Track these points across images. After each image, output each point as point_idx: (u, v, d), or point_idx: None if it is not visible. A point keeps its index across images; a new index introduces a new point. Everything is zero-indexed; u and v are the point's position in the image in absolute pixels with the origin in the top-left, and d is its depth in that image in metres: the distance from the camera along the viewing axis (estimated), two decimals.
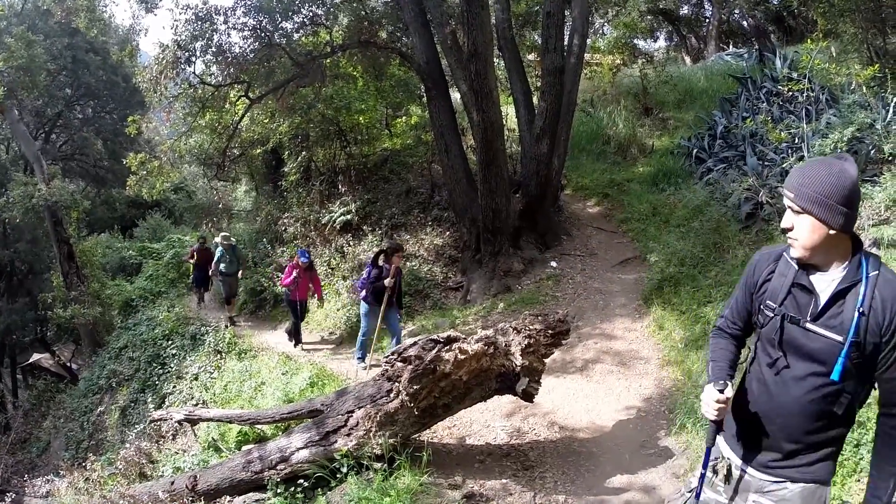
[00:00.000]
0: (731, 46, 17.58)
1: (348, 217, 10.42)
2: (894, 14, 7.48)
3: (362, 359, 6.67)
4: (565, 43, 8.65)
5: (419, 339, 3.96)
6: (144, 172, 9.96)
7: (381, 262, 6.37)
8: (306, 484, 4.02)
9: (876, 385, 1.67)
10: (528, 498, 3.71)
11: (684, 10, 20.07)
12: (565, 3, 9.17)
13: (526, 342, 3.97)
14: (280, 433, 4.77)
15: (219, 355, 8.38)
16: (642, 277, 7.23)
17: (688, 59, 19.06)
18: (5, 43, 12.71)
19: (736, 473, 1.84)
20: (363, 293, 6.47)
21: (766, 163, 7.07)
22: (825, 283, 1.67)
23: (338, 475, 3.91)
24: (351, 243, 10.03)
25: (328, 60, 9.33)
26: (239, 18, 8.84)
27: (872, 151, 5.76)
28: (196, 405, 7.27)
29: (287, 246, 10.91)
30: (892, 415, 1.63)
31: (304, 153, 11.74)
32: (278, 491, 4.06)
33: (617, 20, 16.93)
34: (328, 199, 11.17)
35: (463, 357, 3.72)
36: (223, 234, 9.97)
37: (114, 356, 10.26)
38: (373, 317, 6.49)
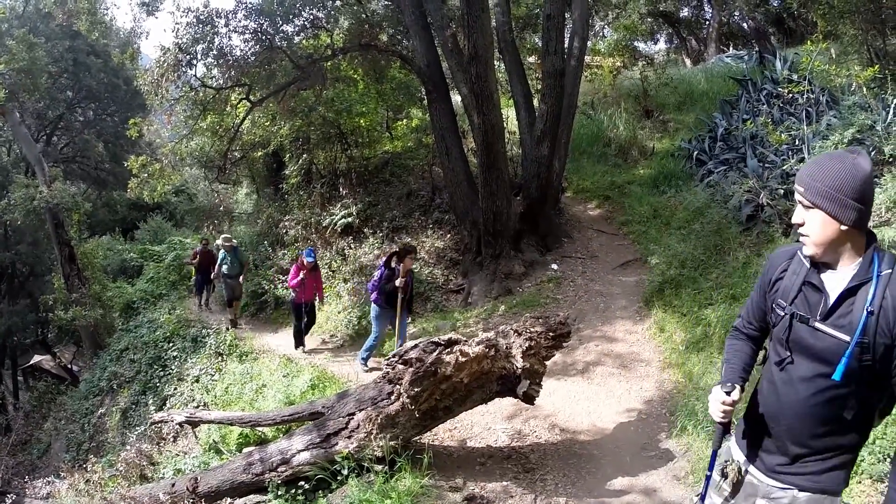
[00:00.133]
0: (731, 48, 17.59)
1: (349, 220, 10.42)
2: (894, 15, 7.47)
3: (366, 361, 6.58)
4: (566, 45, 8.66)
5: (420, 342, 3.96)
6: (146, 175, 10.02)
7: (393, 264, 6.17)
8: (307, 486, 4.03)
9: None
10: (529, 500, 3.71)
11: (684, 12, 20.12)
12: (565, 5, 9.18)
13: (527, 344, 3.98)
14: (281, 435, 4.78)
15: (220, 357, 8.37)
16: (643, 280, 7.22)
17: (688, 62, 19.08)
18: (7, 45, 12.77)
19: (744, 477, 1.79)
20: (374, 295, 6.28)
21: (766, 165, 7.07)
22: (836, 281, 1.60)
23: (339, 477, 3.91)
24: (352, 246, 10.03)
25: (329, 63, 9.34)
26: (240, 21, 8.87)
27: (873, 153, 5.76)
28: (197, 407, 7.25)
29: (288, 248, 10.91)
30: None
31: (305, 156, 11.76)
32: (279, 493, 4.07)
33: (617, 22, 16.99)
34: (329, 201, 11.18)
35: (464, 359, 3.72)
36: (224, 236, 9.96)
37: (115, 358, 10.26)
38: (384, 320, 6.37)
